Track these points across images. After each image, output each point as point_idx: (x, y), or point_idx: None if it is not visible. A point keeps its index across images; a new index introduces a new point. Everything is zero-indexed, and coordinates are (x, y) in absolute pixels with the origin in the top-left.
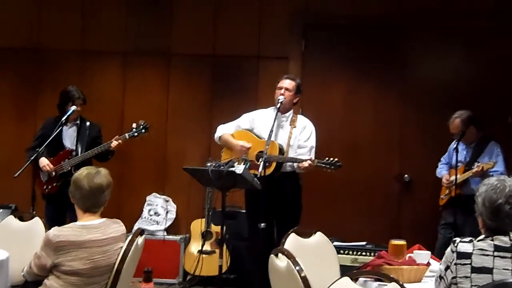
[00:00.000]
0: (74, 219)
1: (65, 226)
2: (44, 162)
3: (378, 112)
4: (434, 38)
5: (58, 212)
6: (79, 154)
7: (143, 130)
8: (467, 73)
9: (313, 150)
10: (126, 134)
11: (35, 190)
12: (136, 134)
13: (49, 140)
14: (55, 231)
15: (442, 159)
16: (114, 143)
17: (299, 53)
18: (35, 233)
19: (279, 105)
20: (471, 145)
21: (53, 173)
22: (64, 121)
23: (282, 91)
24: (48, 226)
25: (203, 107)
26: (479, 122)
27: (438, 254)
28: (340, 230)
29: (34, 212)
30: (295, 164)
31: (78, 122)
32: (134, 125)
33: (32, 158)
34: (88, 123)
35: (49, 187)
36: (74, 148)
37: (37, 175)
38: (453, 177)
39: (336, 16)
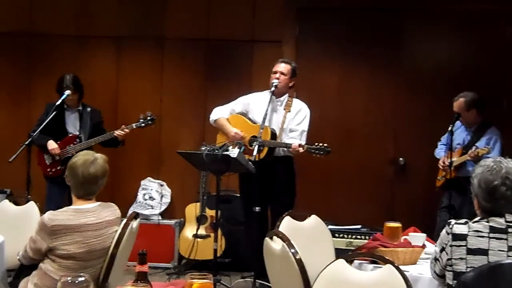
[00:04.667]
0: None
1: (60, 210)
2: (53, 145)
3: (372, 96)
4: (428, 21)
5: (58, 192)
6: (83, 140)
7: (150, 122)
8: (462, 56)
9: (304, 134)
10: (134, 125)
11: (30, 174)
12: (143, 125)
13: (43, 124)
14: (50, 215)
15: (442, 138)
16: (118, 133)
17: (293, 37)
18: (30, 217)
19: (273, 89)
20: (471, 128)
21: (58, 157)
22: (58, 106)
23: (277, 75)
24: (46, 205)
25: (197, 91)
26: (482, 106)
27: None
28: (335, 214)
29: (29, 196)
30: (286, 148)
31: (80, 108)
32: (141, 116)
33: (27, 142)
34: (89, 109)
35: (53, 170)
36: (78, 133)
37: (41, 157)
38: (450, 160)
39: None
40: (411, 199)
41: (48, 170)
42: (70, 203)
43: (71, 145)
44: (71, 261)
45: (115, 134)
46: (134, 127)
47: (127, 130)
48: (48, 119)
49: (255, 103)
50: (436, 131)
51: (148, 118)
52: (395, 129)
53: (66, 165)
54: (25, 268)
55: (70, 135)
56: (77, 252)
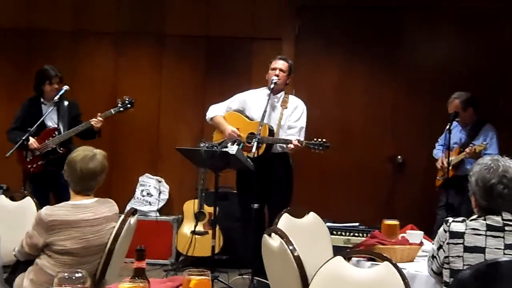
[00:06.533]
0: (59, 197)
1: (57, 205)
2: (30, 140)
3: (371, 94)
4: (428, 20)
5: (42, 191)
6: (62, 132)
7: (128, 105)
8: (461, 55)
9: (303, 130)
10: (112, 110)
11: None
12: (122, 109)
13: (39, 121)
14: (47, 210)
15: (439, 139)
16: (95, 120)
17: (292, 34)
18: (26, 213)
19: (272, 85)
20: (467, 127)
21: (37, 152)
22: (57, 101)
23: (277, 72)
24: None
25: (196, 88)
26: (477, 104)
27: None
28: (333, 212)
29: (26, 191)
30: (285, 145)
31: (56, 100)
32: (119, 100)
33: (24, 138)
34: (66, 102)
35: (34, 165)
36: (57, 126)
37: (21, 155)
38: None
39: None
40: (409, 197)
41: (29, 166)
42: (55, 202)
43: (50, 138)
44: (68, 256)
45: (91, 123)
46: (113, 112)
47: (101, 118)
48: (47, 113)
49: (252, 100)
50: (435, 130)
51: (127, 102)
52: (394, 128)
53: (47, 159)
54: (21, 264)
55: (49, 127)
56: (74, 248)
